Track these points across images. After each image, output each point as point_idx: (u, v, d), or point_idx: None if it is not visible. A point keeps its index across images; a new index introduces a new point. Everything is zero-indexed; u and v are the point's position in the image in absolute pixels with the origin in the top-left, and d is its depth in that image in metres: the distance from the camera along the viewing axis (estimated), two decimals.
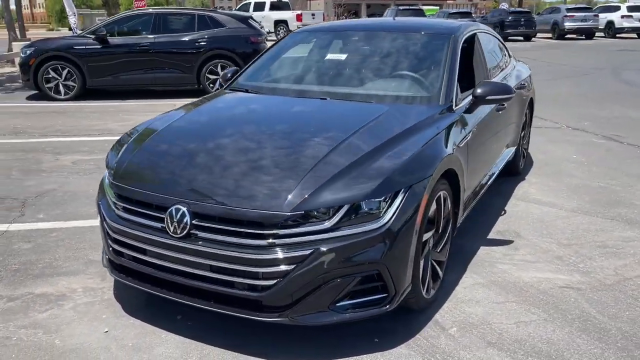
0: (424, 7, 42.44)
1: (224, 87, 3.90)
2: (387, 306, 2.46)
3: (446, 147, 2.85)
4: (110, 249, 2.71)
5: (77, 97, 10.12)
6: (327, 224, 2.30)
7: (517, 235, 3.84)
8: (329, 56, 3.88)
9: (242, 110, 3.41)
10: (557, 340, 2.59)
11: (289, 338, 2.59)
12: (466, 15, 29.72)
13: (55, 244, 3.69)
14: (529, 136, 5.49)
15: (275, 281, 2.29)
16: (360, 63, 3.73)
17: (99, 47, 10.04)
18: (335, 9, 76.69)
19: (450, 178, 2.96)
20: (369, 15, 49.06)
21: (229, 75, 4.05)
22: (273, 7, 27.90)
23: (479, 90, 3.28)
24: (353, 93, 3.40)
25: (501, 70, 4.49)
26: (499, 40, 4.91)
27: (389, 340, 2.59)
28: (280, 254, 2.27)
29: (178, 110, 3.51)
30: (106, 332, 2.67)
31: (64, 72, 10.03)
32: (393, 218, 2.38)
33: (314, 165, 2.47)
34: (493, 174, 4.11)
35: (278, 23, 27.08)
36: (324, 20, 27.43)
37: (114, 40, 10.16)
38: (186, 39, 10.24)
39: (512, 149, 4.74)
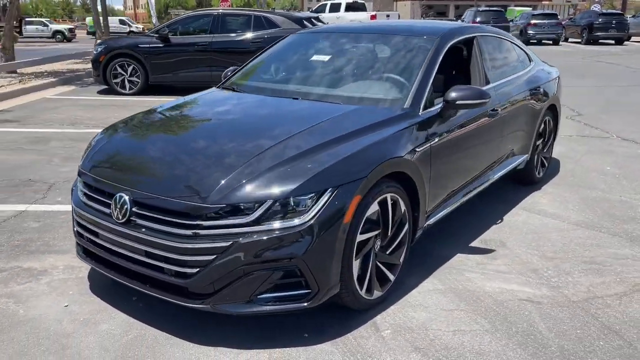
0: (516, 8, 40.93)
1: (218, 85, 4.08)
2: (309, 302, 2.52)
3: (395, 150, 2.86)
4: (75, 230, 2.96)
5: (140, 92, 10.77)
6: (249, 218, 2.40)
7: (501, 245, 3.74)
8: (314, 57, 3.95)
9: (210, 108, 3.57)
10: (487, 352, 2.54)
11: (223, 326, 2.71)
12: (551, 16, 28.41)
13: (60, 225, 4.04)
14: (551, 144, 5.25)
15: (197, 269, 2.43)
16: (341, 65, 3.78)
17: (161, 45, 10.63)
18: (422, 9, 75.80)
19: (405, 182, 2.95)
20: (457, 17, 47.87)
21: (228, 73, 4.23)
22: (349, 8, 28.03)
23: (450, 95, 3.24)
24: (325, 94, 3.46)
25: (508, 76, 4.36)
26: (515, 44, 4.76)
27: (318, 336, 2.65)
28: (202, 244, 2.40)
29: (160, 105, 3.73)
30: (66, 306, 2.92)
31: (130, 69, 10.72)
32: (317, 216, 2.44)
33: (246, 161, 2.57)
34: (487, 180, 4.01)
35: None
36: None
37: (176, 39, 10.72)
38: (241, 38, 10.60)
39: (522, 157, 4.58)
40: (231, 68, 4.31)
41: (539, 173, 5.03)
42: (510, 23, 29.54)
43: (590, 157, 6.01)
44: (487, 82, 3.99)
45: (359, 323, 2.77)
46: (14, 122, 8.08)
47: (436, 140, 3.19)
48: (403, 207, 2.97)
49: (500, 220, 4.18)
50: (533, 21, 27.87)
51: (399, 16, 30.32)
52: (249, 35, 10.58)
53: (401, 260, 3.07)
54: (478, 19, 27.66)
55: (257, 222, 2.40)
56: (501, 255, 3.59)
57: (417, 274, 3.29)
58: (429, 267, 3.40)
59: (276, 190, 2.44)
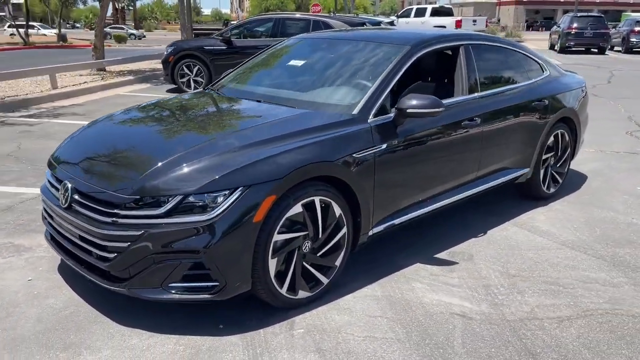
0: (633, 14, 37.94)
1: (206, 87, 4.31)
2: (216, 295, 2.65)
3: (325, 154, 2.91)
4: (42, 215, 3.30)
5: None
6: (160, 210, 2.58)
7: (467, 259, 3.64)
8: (291, 62, 4.06)
9: (175, 108, 3.79)
10: None
11: (149, 310, 2.90)
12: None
13: None
14: (567, 160, 4.96)
15: (115, 255, 2.64)
16: (313, 70, 3.86)
17: (224, 47, 11.15)
18: (528, 14, 72.56)
19: (342, 186, 3.00)
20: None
21: (221, 77, 4.45)
22: (435, 13, 27.60)
23: (401, 103, 3.23)
24: (286, 98, 3.55)
25: (503, 85, 4.21)
26: (523, 53, 4.57)
27: (232, 328, 2.77)
28: (119, 232, 2.61)
29: (141, 103, 4.03)
30: (29, 280, 3.25)
31: (195, 69, 11.34)
32: (224, 213, 2.56)
33: (169, 158, 2.75)
34: (468, 192, 3.91)
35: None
36: (486, 26, 26.41)
37: (238, 42, 11.20)
38: None
39: (521, 171, 4.41)
40: (229, 71, 4.52)
41: (548, 189, 4.79)
42: (613, 30, 27.66)
43: (625, 176, 5.61)
44: (471, 91, 3.90)
45: (276, 320, 2.86)
46: (80, 115, 8.86)
47: (383, 147, 3.19)
48: (338, 211, 3.01)
49: (482, 234, 4.06)
50: (637, 28, 25.91)
51: (486, 22, 29.37)
52: None
53: (337, 263, 3.11)
54: (575, 25, 26.14)
55: (167, 214, 2.57)
56: (461, 268, 3.51)
57: (362, 279, 3.31)
58: (379, 273, 3.40)
59: (187, 186, 2.59)
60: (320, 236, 2.98)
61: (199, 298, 2.67)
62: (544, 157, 4.63)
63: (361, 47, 3.89)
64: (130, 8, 75.06)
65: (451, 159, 3.73)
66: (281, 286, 2.84)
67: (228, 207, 2.57)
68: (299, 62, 3.99)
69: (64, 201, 2.86)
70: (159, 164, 2.72)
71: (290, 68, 4.03)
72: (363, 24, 11.37)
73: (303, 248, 2.92)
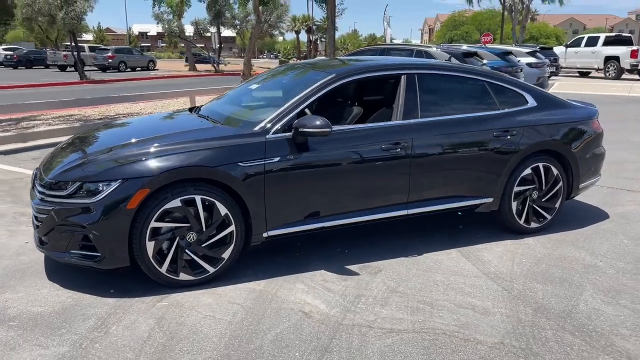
0: None
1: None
2: (98, 263, 3.38)
3: (207, 160, 3.47)
4: None
5: None
6: (64, 192, 3.41)
7: (372, 273, 3.86)
8: (252, 86, 4.66)
9: (145, 121, 4.62)
10: (190, 324, 3.02)
11: (73, 269, 3.74)
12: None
13: None
14: (555, 195, 4.72)
15: (39, 224, 3.54)
16: (260, 93, 4.42)
17: None
18: None
19: (229, 189, 3.53)
20: None
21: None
22: (610, 42, 25.37)
23: (295, 122, 3.66)
24: (225, 115, 4.19)
25: (455, 114, 4.31)
26: (494, 83, 4.56)
27: (117, 293, 3.47)
28: (43, 206, 3.50)
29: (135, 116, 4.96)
30: (26, 243, 4.33)
31: None
32: (104, 198, 3.30)
33: (89, 154, 3.59)
34: (387, 214, 4.11)
35: (609, 59, 24.56)
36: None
37: None
38: None
39: (481, 200, 4.41)
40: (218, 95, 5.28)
41: (527, 222, 4.64)
42: None
43: None
44: (407, 117, 4.11)
45: (156, 293, 3.48)
46: None
47: (276, 160, 3.64)
48: (224, 211, 3.55)
49: (416, 255, 4.20)
50: None
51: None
52: None
53: (225, 256, 3.63)
54: None
55: (68, 196, 3.39)
56: (357, 279, 3.75)
57: (259, 275, 3.78)
58: (280, 272, 3.83)
59: (82, 175, 3.40)
60: (204, 230, 3.54)
61: (87, 264, 3.43)
62: (517, 189, 4.54)
63: (304, 72, 4.36)
64: (323, 39, 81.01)
65: (365, 180, 3.98)
66: (160, 266, 3.46)
67: (107, 194, 3.30)
68: (255, 86, 4.60)
69: (30, 182, 3.86)
70: (76, 160, 3.57)
71: (249, 91, 4.66)
72: (472, 54, 11.35)
73: (187, 238, 3.51)
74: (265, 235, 3.75)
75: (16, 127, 10.20)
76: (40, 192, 3.57)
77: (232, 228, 3.61)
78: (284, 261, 4.03)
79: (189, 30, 41.09)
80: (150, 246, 3.42)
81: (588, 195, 5.67)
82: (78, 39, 27.96)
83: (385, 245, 4.36)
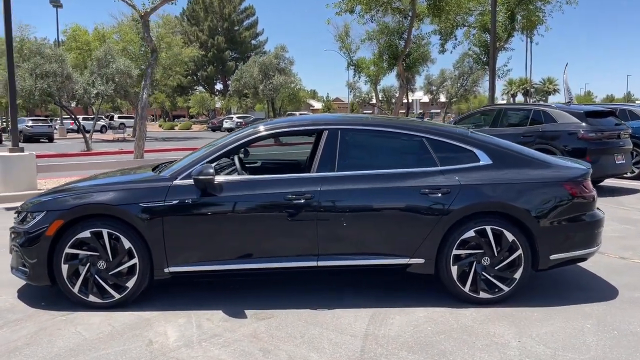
0: None
1: None
2: (26, 278, 4.18)
3: (108, 199, 4.09)
4: None
5: None
6: (18, 219, 4.33)
7: (260, 318, 3.97)
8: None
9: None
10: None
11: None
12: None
13: None
14: (514, 262, 4.18)
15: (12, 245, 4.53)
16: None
17: None
18: None
19: (127, 224, 4.10)
20: None
21: None
22: None
23: (191, 170, 4.11)
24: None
25: (374, 169, 4.26)
26: (433, 139, 4.35)
27: (46, 305, 4.21)
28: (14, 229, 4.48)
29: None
30: None
31: None
32: (32, 226, 4.13)
33: (49, 192, 4.49)
34: (294, 263, 4.20)
35: None
36: None
37: None
38: (519, 132, 10.57)
39: (405, 260, 4.19)
40: None
41: (475, 292, 4.20)
42: None
43: None
44: (322, 170, 4.21)
45: (73, 310, 4.12)
46: None
47: (174, 202, 4.09)
48: (127, 244, 4.10)
49: (326, 309, 4.16)
50: None
51: None
52: (525, 129, 10.44)
53: (129, 285, 4.14)
54: None
55: (20, 222, 4.30)
56: (237, 321, 3.91)
57: (154, 304, 4.19)
58: (172, 304, 4.19)
59: (24, 207, 4.28)
60: (111, 260, 4.13)
61: (22, 278, 4.25)
62: (457, 252, 4.19)
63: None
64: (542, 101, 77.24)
65: (266, 228, 4.15)
66: (73, 287, 4.12)
67: (34, 222, 4.12)
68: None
69: None
70: (38, 197, 4.48)
71: None
72: (590, 112, 10.16)
73: (98, 265, 4.13)
74: (167, 270, 4.17)
75: None
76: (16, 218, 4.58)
77: (135, 260, 4.12)
78: (194, 296, 4.37)
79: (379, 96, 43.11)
80: (65, 268, 4.11)
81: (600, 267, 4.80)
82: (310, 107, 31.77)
83: (307, 294, 4.38)
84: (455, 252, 4.18)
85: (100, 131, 43.64)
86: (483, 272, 4.21)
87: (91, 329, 3.79)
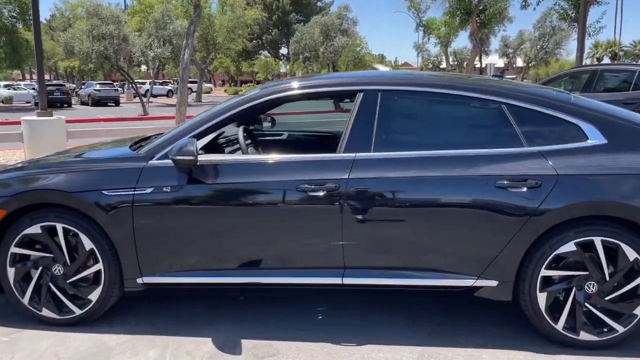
0: None
1: None
2: None
3: (64, 184, 3.03)
4: None
5: None
6: None
7: (261, 355, 2.85)
8: None
9: None
10: None
11: None
12: None
13: None
14: (633, 295, 2.82)
15: None
16: None
17: None
18: None
19: (87, 218, 3.03)
20: None
21: None
22: None
23: (172, 147, 2.97)
24: None
25: (434, 149, 2.94)
26: (509, 105, 2.97)
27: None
28: None
29: None
30: None
31: None
32: None
33: None
34: (309, 278, 3.02)
35: None
36: None
37: None
38: (619, 98, 8.80)
39: (470, 281, 2.91)
40: None
41: (573, 330, 2.88)
42: None
43: None
44: (350, 149, 2.96)
45: (19, 326, 3.17)
46: None
47: (148, 191, 2.98)
48: (89, 245, 3.05)
49: (349, 344, 2.98)
50: None
51: None
52: (623, 94, 8.69)
53: (92, 298, 3.10)
54: None
55: None
56: (226, 357, 2.82)
57: (125, 325, 3.15)
58: (148, 326, 3.13)
59: None
60: (69, 264, 3.10)
61: None
62: (546, 273, 2.86)
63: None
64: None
65: (273, 229, 2.97)
66: (22, 296, 3.14)
67: None
68: None
69: None
70: None
71: None
72: None
73: (53, 270, 3.12)
74: (140, 281, 3.09)
75: None
76: None
77: (99, 266, 3.07)
78: (176, 314, 3.30)
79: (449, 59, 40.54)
80: (11, 272, 3.12)
81: None
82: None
83: (326, 321, 3.22)
84: (544, 272, 2.85)
85: (167, 95, 43.73)
86: (586, 303, 2.86)
87: (31, 359, 2.80)
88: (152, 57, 22.00)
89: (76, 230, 3.04)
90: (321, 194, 2.88)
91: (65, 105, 30.38)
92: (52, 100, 29.65)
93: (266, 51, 57.73)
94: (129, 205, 2.99)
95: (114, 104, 33.01)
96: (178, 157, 2.87)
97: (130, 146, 3.46)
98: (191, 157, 2.84)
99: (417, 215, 2.89)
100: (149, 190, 2.99)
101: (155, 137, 3.52)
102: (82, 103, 34.22)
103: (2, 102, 31.62)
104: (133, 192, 2.99)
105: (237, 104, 3.15)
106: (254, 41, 51.30)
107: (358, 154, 2.94)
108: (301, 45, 27.15)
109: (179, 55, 22.88)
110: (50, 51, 39.02)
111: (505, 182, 2.81)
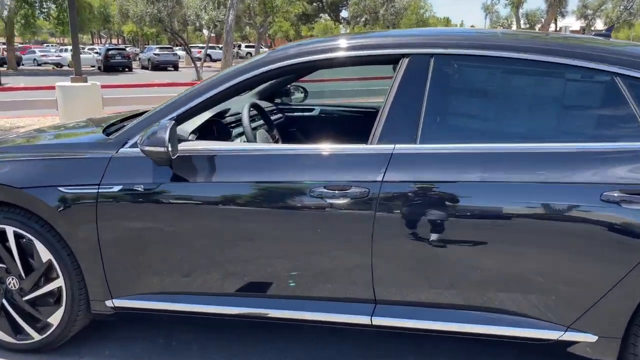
0: None
1: None
2: None
3: (14, 176, 2.34)
4: None
5: None
6: None
7: None
8: None
9: None
10: None
11: None
12: None
13: None
14: None
15: None
16: None
17: None
18: None
19: (42, 221, 2.34)
20: None
21: None
22: None
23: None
24: None
25: (511, 141, 2.03)
26: (625, 77, 2.00)
27: None
28: None
29: None
30: None
31: None
32: None
33: None
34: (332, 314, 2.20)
35: None
36: None
37: None
38: None
39: (560, 334, 2.02)
40: None
41: None
42: None
43: None
44: (386, 139, 2.09)
45: None
46: None
47: (115, 189, 2.23)
48: (46, 256, 2.36)
49: None
50: None
51: None
52: None
53: (53, 321, 2.43)
54: None
55: None
56: None
57: (74, 353, 2.47)
58: (114, 348, 2.44)
59: None
60: (25, 278, 2.43)
61: None
62: None
63: None
64: None
65: (275, 248, 2.18)
66: None
67: None
68: None
69: None
70: None
71: None
72: None
73: (7, 282, 2.47)
74: (109, 304, 2.38)
75: None
76: None
77: (59, 283, 2.38)
78: (151, 339, 2.58)
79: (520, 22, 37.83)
80: None
81: None
82: None
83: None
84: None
85: None
86: None
87: None
88: (207, 20, 21.38)
89: (30, 236, 2.35)
90: (343, 201, 2.04)
91: (127, 69, 30.62)
92: (114, 64, 30.07)
93: (326, 14, 56.07)
94: (91, 206, 2.26)
95: (172, 69, 33.07)
96: (147, 148, 2.09)
97: (108, 127, 2.71)
98: (161, 149, 2.05)
99: (481, 236, 2.00)
100: (116, 188, 2.24)
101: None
102: (143, 67, 34.45)
103: (68, 65, 32.22)
104: (97, 190, 2.25)
105: (236, 74, 2.31)
106: (314, 4, 49.81)
107: (398, 146, 2.06)
108: (360, 7, 25.65)
109: (238, 21, 22.24)
110: (114, 15, 39.51)
111: (616, 193, 1.87)
